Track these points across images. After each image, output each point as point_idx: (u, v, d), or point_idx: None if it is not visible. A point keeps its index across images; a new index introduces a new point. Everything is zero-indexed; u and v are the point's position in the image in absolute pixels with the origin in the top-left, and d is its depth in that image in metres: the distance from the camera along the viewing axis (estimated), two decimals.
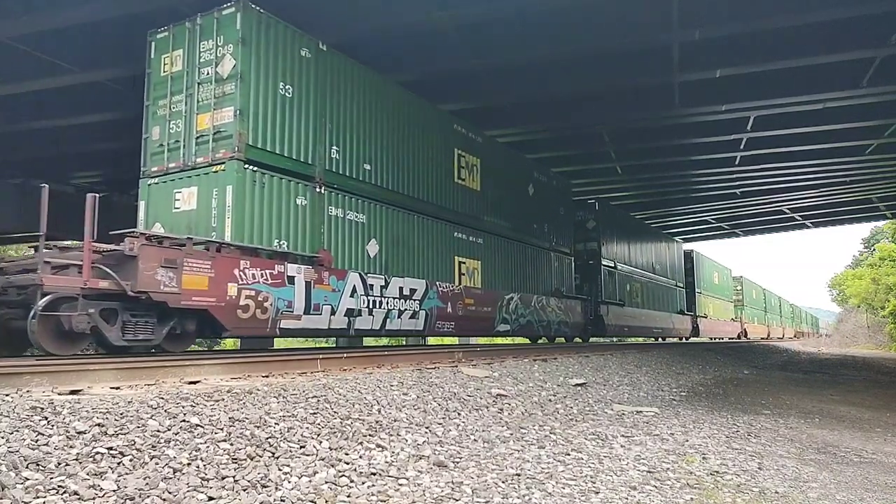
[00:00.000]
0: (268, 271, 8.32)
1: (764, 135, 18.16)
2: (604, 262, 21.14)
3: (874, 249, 59.31)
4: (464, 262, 13.37)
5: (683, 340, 30.63)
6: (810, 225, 36.57)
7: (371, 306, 10.23)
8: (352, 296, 9.84)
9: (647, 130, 18.57)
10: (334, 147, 10.04)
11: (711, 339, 36.55)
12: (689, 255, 33.38)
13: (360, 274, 10.13)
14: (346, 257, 10.06)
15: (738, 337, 41.67)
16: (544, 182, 17.83)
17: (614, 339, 25.20)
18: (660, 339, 28.74)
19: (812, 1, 11.19)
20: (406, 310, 11.12)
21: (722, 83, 14.70)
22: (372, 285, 10.35)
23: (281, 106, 9.09)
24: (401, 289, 11.09)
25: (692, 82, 14.67)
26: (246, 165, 8.45)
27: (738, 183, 25.18)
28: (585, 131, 18.94)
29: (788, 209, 31.74)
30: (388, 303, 10.68)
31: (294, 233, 9.12)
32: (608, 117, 17.04)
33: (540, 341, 18.39)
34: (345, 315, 9.63)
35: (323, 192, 9.70)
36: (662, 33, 12.15)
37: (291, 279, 8.71)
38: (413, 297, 11.38)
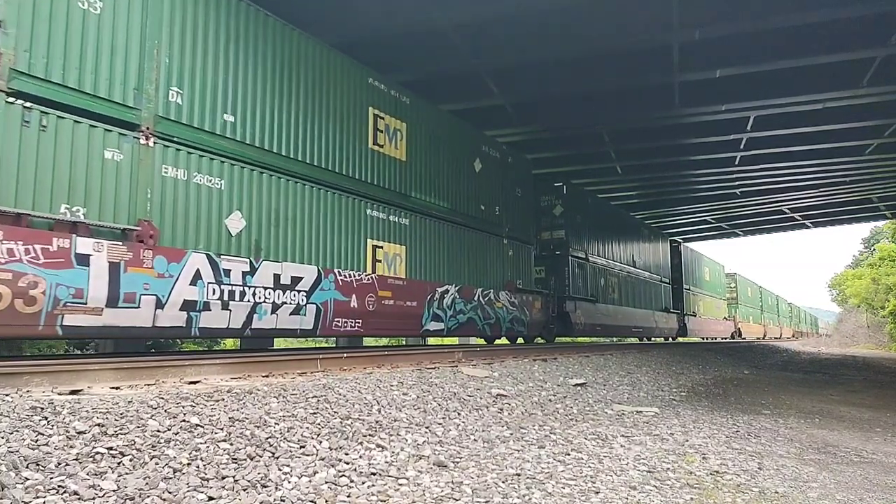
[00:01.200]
0: (38, 246, 6.06)
1: (764, 135, 18.18)
2: (572, 254, 18.68)
3: (874, 249, 59.35)
4: (380, 247, 10.88)
5: (670, 340, 28.55)
6: (810, 225, 36.59)
7: (226, 298, 7.84)
8: (193, 284, 7.45)
9: (647, 130, 18.58)
10: (174, 88, 7.63)
11: (704, 339, 35.05)
12: (676, 250, 30.92)
13: (207, 255, 7.70)
14: (191, 234, 7.67)
15: (732, 337, 40.05)
16: (496, 158, 15.11)
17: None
18: (645, 339, 26.51)
19: (812, 1, 11.20)
20: (285, 303, 8.71)
21: (722, 83, 14.71)
22: (228, 270, 7.91)
23: (81, 21, 6.75)
24: (277, 276, 8.63)
25: (692, 82, 14.68)
26: (10, 99, 6.14)
27: (737, 183, 25.21)
28: (585, 131, 18.95)
29: (788, 209, 31.77)
30: (254, 294, 8.26)
31: (99, 197, 6.77)
32: (608, 117, 17.05)
33: (499, 342, 16.21)
34: (181, 309, 7.30)
35: (152, 145, 7.31)
36: (662, 33, 12.17)
37: (84, 259, 6.41)
38: (297, 288, 8.96)
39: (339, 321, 9.72)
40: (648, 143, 19.33)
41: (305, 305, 9.07)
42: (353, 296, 10.04)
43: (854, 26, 12.18)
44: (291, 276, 8.92)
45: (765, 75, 14.21)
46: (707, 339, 35.56)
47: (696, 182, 25.29)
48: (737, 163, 21.38)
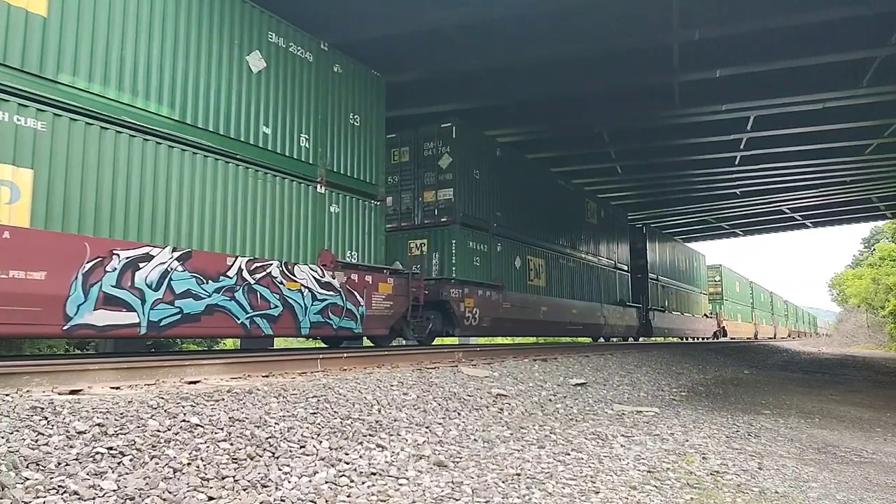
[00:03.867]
0: None
1: (764, 135, 18.20)
2: (465, 222, 14.32)
3: (874, 249, 59.34)
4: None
5: (630, 340, 24.24)
6: (810, 225, 36.62)
7: None
8: None
9: (647, 130, 18.60)
10: None
11: (680, 339, 31.03)
12: (639, 233, 26.30)
13: None
14: None
15: (715, 336, 35.84)
16: (302, 58, 9.48)
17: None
18: (594, 340, 22.01)
19: (812, 1, 11.21)
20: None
21: (722, 83, 14.72)
22: None
23: None
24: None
25: (692, 82, 14.69)
26: None
27: (738, 183, 25.23)
28: (585, 131, 18.97)
29: (788, 209, 31.79)
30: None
31: None
32: (608, 117, 17.07)
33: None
34: None
35: None
36: (662, 33, 12.17)
37: None
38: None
39: None
40: (648, 143, 19.34)
41: None
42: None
43: (854, 26, 12.19)
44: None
45: (765, 75, 14.22)
46: (684, 339, 31.46)
47: (696, 182, 25.30)
48: (737, 163, 21.39)
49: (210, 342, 17.69)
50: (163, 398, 4.38)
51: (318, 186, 9.85)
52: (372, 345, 12.29)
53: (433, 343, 16.65)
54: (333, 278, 9.70)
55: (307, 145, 9.67)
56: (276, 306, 8.58)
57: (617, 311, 22.38)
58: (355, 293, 10.03)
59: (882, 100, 15.64)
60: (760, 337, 47.71)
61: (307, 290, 9.04)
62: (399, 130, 13.90)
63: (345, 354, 7.86)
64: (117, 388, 4.91)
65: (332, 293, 9.57)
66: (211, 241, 7.98)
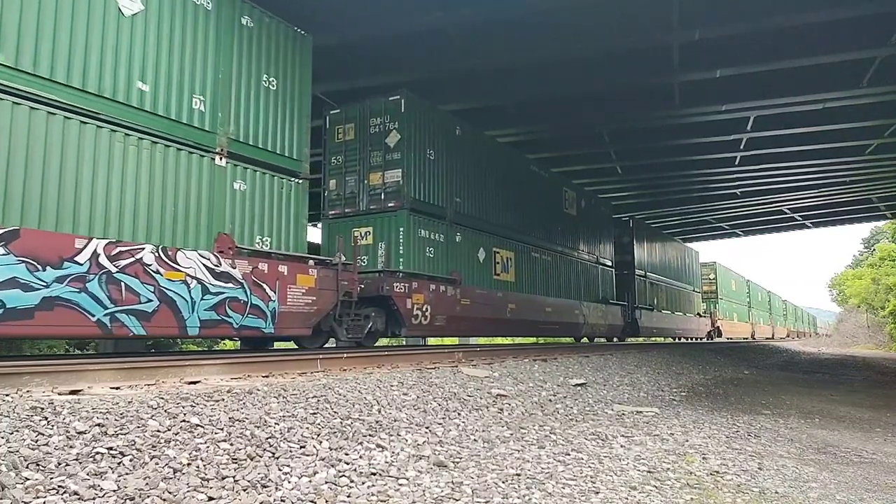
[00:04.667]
0: None
1: (764, 135, 18.20)
2: (418, 208, 12.58)
3: (874, 249, 59.34)
4: None
5: (615, 341, 22.75)
6: (810, 225, 36.61)
7: None
8: None
9: (647, 130, 18.60)
10: None
11: (675, 339, 30.08)
12: (624, 226, 24.93)
13: None
14: None
15: (709, 337, 34.71)
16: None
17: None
18: (587, 339, 20.92)
19: (812, 1, 11.21)
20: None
21: (722, 83, 14.72)
22: None
23: None
24: None
25: (692, 82, 14.69)
26: None
27: (738, 183, 25.23)
28: (585, 131, 18.97)
29: (788, 209, 31.78)
30: None
31: None
32: (608, 117, 17.07)
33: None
34: None
35: None
36: (662, 33, 12.18)
37: None
38: None
39: None
40: (648, 143, 19.34)
41: None
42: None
43: (854, 26, 12.18)
44: None
45: (765, 75, 14.22)
46: (676, 339, 30.37)
47: (697, 182, 25.30)
48: (737, 163, 21.39)
49: (210, 342, 17.56)
50: (163, 398, 4.38)
51: (218, 158, 8.12)
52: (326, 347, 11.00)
53: (430, 344, 16.34)
54: (233, 267, 7.92)
55: (202, 108, 8.01)
56: (150, 300, 6.96)
57: (599, 309, 20.75)
58: (265, 286, 8.31)
59: (882, 100, 15.64)
60: (758, 337, 46.84)
61: (195, 282, 7.38)
62: (345, 104, 12.65)
63: (345, 355, 7.86)
64: (117, 388, 4.91)
65: (231, 285, 7.85)
66: (57, 219, 6.38)
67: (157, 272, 7.01)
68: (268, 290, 8.36)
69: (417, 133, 12.28)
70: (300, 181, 9.33)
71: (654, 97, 15.75)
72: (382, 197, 12.02)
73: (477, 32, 12.54)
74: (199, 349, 16.76)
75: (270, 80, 9.07)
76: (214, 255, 7.76)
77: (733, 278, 42.64)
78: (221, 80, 8.30)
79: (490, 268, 14.53)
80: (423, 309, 11.82)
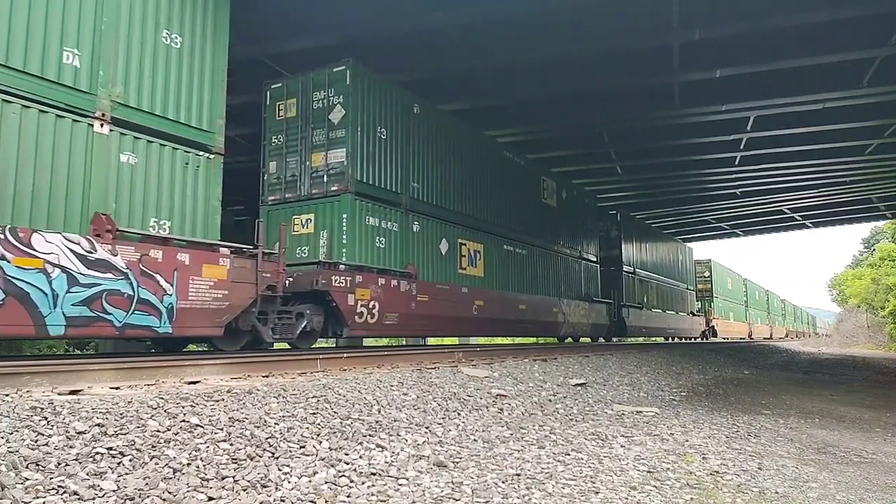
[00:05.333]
0: None
1: (764, 135, 18.21)
2: (363, 191, 11.24)
3: (874, 249, 59.33)
4: None
5: (601, 342, 21.10)
6: (810, 225, 36.62)
7: None
8: None
9: (647, 130, 18.61)
10: None
11: (668, 339, 29.00)
12: (612, 220, 23.59)
13: None
14: None
15: (703, 336, 33.73)
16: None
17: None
18: (574, 340, 19.43)
19: (812, 1, 11.21)
20: None
21: (722, 83, 14.73)
22: None
23: None
24: None
25: (692, 82, 14.70)
26: None
27: (738, 183, 25.24)
28: (585, 131, 18.98)
29: (788, 209, 31.80)
30: None
31: None
32: (608, 117, 17.08)
33: None
34: None
35: None
36: (662, 33, 12.19)
37: None
38: None
39: None
40: (648, 143, 19.36)
41: None
42: None
43: (854, 26, 12.19)
44: None
45: (765, 75, 14.23)
46: (668, 338, 29.30)
47: (696, 182, 25.32)
48: (737, 163, 21.40)
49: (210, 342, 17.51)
50: (162, 398, 4.38)
51: (98, 125, 6.87)
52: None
53: (430, 344, 15.86)
54: (113, 255, 6.58)
55: (76, 64, 6.71)
56: None
57: (581, 307, 19.32)
58: (158, 277, 6.99)
59: (882, 100, 15.65)
60: (755, 337, 46.08)
61: (58, 271, 6.11)
62: (288, 77, 11.49)
63: (345, 354, 7.87)
64: (117, 388, 4.91)
65: (110, 276, 6.53)
66: None
67: (3, 258, 5.72)
68: (162, 282, 7.02)
69: (367, 109, 11.03)
70: (212, 156, 7.88)
71: (654, 97, 15.76)
72: (325, 180, 10.74)
73: (477, 32, 12.54)
74: (199, 349, 16.72)
75: (173, 36, 7.72)
76: (87, 240, 6.39)
77: (729, 276, 41.71)
78: (104, 33, 6.97)
79: (454, 261, 13.26)
80: (370, 306, 10.48)
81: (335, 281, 9.82)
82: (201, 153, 7.80)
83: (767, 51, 13.04)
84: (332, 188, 10.68)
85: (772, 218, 34.37)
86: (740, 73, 14.00)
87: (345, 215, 10.53)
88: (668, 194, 27.57)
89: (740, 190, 26.53)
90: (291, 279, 9.37)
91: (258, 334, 8.67)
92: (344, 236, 10.47)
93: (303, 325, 9.41)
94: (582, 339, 20.06)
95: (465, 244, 13.71)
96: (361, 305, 10.28)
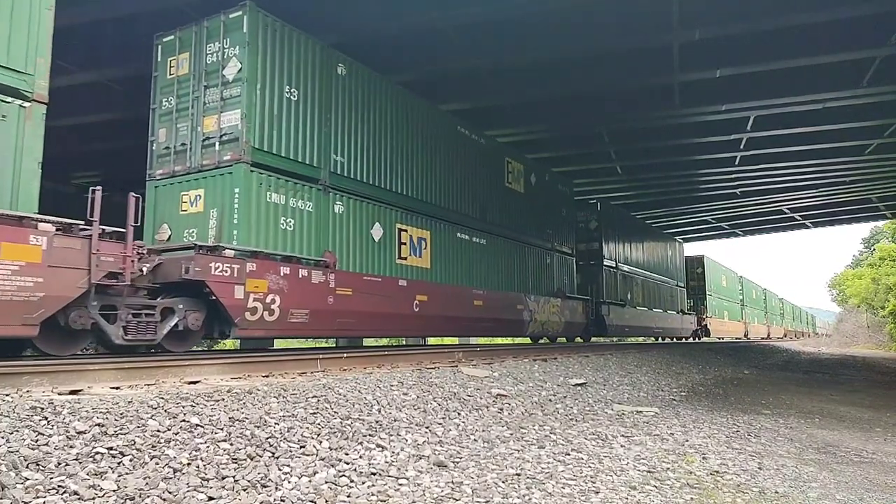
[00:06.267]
0: None
1: (764, 135, 18.21)
2: (266, 162, 9.40)
3: (874, 249, 59.32)
4: None
5: (579, 341, 19.53)
6: (810, 225, 36.62)
7: None
8: None
9: (647, 130, 18.61)
10: None
11: (658, 339, 27.72)
12: (591, 209, 21.70)
13: None
14: None
15: (695, 336, 32.36)
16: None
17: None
18: (549, 339, 18.20)
19: (812, 1, 11.22)
20: None
21: (722, 83, 14.73)
22: None
23: None
24: None
25: (692, 82, 14.70)
26: None
27: (738, 183, 25.24)
28: (585, 131, 18.98)
29: (788, 209, 31.80)
30: None
31: None
32: (608, 117, 17.08)
33: None
34: None
35: None
36: (662, 33, 12.19)
37: None
38: None
39: None
40: (648, 143, 19.35)
41: None
42: None
43: (854, 26, 12.19)
44: None
45: (765, 75, 14.23)
46: (657, 338, 28.02)
47: (697, 182, 25.32)
48: (737, 163, 21.40)
49: (210, 342, 17.47)
50: (163, 398, 4.38)
51: None
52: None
53: (430, 344, 15.68)
54: None
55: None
56: None
57: (552, 304, 17.36)
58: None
59: (882, 100, 15.65)
60: (752, 336, 44.59)
61: None
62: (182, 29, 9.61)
63: (345, 354, 7.87)
64: (117, 388, 4.91)
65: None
66: None
67: None
68: (63, 273, 5.75)
69: (270, 63, 9.26)
70: (28, 104, 6.10)
71: (653, 97, 15.76)
72: (217, 148, 8.95)
73: (477, 32, 12.54)
74: (199, 349, 16.68)
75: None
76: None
77: (724, 274, 39.95)
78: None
79: (391, 249, 11.39)
80: (268, 300, 8.58)
81: (215, 269, 7.87)
82: (12, 100, 5.98)
83: (767, 51, 13.04)
84: (225, 157, 8.88)
85: (771, 218, 34.37)
86: (740, 73, 14.00)
87: (237, 189, 8.69)
88: (668, 194, 27.56)
89: (740, 190, 26.53)
90: (145, 267, 7.47)
91: (103, 335, 6.97)
92: (235, 215, 8.66)
93: (172, 324, 7.58)
94: (558, 340, 18.56)
95: (405, 230, 11.80)
96: (255, 300, 8.36)
